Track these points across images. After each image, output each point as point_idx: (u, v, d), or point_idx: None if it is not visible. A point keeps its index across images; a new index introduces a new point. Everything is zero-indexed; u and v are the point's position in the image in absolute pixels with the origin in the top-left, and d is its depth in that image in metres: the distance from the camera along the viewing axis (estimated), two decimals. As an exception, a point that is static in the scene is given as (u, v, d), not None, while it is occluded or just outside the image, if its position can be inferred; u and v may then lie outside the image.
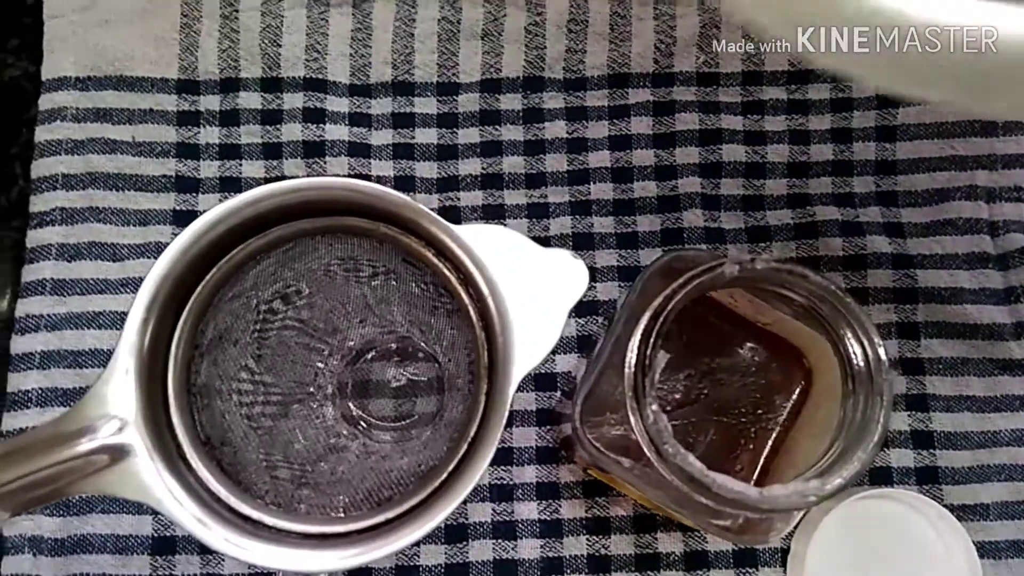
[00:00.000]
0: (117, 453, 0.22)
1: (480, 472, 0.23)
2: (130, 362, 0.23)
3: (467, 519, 0.36)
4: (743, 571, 0.36)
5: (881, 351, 0.24)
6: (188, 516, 0.22)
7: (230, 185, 0.39)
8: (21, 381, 0.36)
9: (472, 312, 0.26)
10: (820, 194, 0.39)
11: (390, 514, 0.24)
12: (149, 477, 0.22)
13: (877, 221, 0.38)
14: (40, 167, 0.38)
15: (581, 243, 0.38)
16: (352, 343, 0.36)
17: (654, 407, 0.23)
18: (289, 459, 0.29)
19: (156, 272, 0.23)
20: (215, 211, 0.24)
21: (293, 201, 0.25)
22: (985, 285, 0.37)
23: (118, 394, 0.23)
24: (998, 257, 0.38)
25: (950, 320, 0.37)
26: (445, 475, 0.24)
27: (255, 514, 0.24)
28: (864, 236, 0.38)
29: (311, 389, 0.33)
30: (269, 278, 0.27)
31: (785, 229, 0.38)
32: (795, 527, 0.33)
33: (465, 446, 0.25)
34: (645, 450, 0.24)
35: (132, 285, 0.37)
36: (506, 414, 0.24)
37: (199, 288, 0.25)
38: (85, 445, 0.22)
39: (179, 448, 0.24)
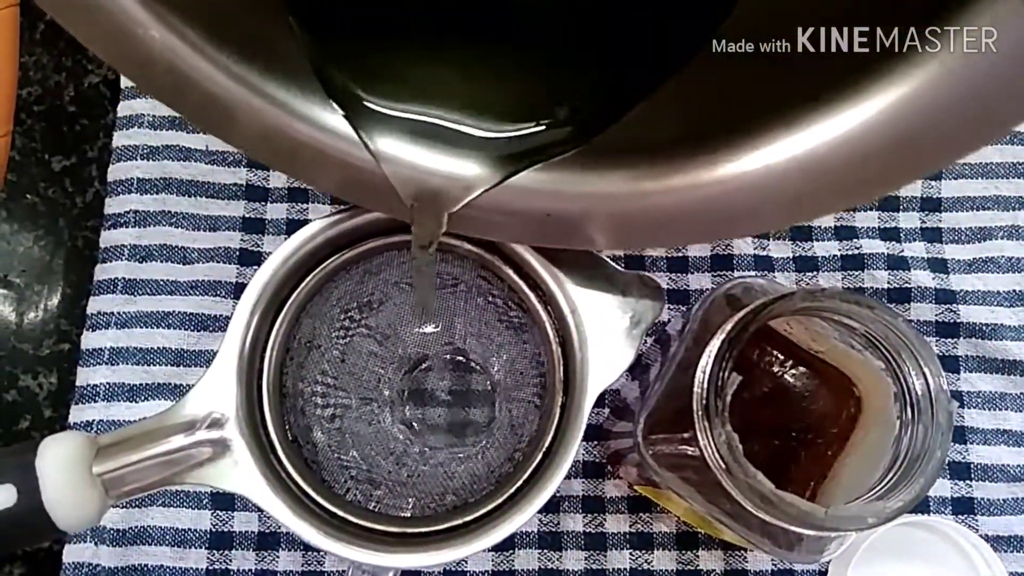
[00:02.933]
0: (218, 447, 0.23)
1: (559, 481, 0.24)
2: (232, 362, 0.24)
3: (515, 528, 0.37)
4: (782, 591, 0.37)
5: (942, 381, 0.25)
6: (283, 508, 0.23)
7: (298, 196, 0.40)
8: (90, 375, 0.38)
9: (549, 329, 0.27)
10: (866, 228, 0.40)
11: (468, 517, 0.25)
12: (247, 471, 0.23)
13: (921, 256, 0.39)
14: (117, 171, 0.40)
15: (632, 266, 0.40)
16: (411, 352, 0.37)
17: (727, 427, 0.24)
18: (361, 461, 0.30)
19: (260, 278, 0.25)
20: (316, 224, 0.25)
21: (385, 217, 0.26)
22: (1025, 323, 0.38)
23: (219, 391, 0.24)
24: (1039, 296, 0.39)
25: (990, 355, 0.38)
26: (520, 483, 0.26)
27: (340, 511, 0.25)
28: (908, 270, 0.39)
29: (374, 395, 0.35)
30: (354, 288, 0.29)
31: (832, 260, 0.40)
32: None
33: (540, 456, 0.26)
34: (713, 468, 0.25)
35: (200, 287, 0.39)
36: (583, 427, 0.25)
37: (295, 294, 0.26)
38: (188, 438, 0.23)
39: (271, 445, 0.25)
